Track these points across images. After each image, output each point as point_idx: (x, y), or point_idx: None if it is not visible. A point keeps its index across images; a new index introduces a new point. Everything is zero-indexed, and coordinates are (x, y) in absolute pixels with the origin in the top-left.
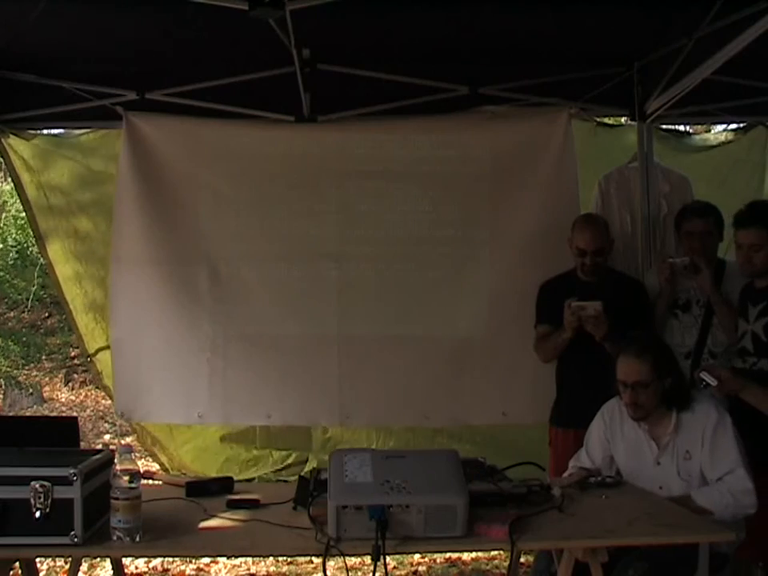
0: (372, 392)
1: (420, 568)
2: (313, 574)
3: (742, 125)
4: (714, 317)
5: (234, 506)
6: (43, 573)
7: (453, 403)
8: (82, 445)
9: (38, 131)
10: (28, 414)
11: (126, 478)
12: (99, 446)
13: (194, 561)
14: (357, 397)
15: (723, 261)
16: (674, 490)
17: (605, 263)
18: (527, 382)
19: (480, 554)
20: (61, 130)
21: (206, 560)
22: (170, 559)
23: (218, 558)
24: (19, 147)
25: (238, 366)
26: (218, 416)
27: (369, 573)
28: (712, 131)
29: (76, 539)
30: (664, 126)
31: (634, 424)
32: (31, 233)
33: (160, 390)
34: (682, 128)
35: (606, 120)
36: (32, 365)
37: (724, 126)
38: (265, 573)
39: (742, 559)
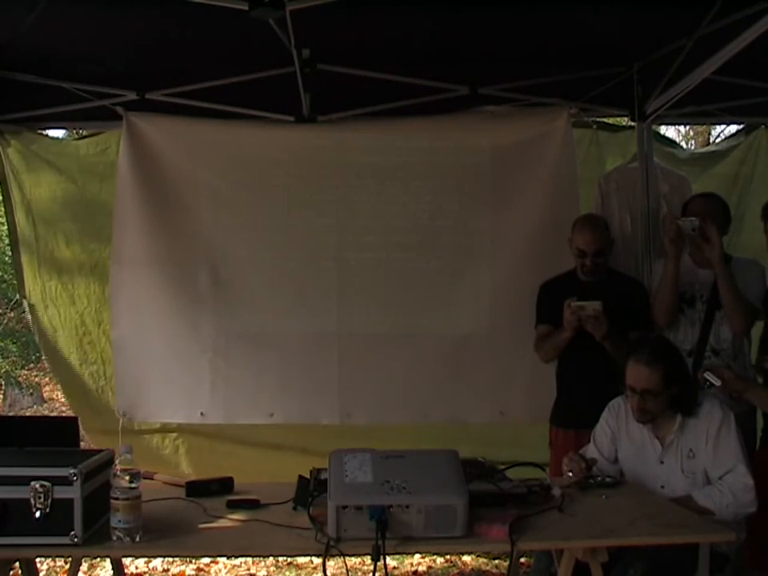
0: (372, 390)
1: (420, 568)
2: (313, 574)
3: (741, 126)
4: (716, 313)
5: (234, 506)
6: (43, 573)
7: (451, 402)
8: (82, 445)
9: (40, 132)
10: (28, 414)
11: (126, 477)
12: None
13: (193, 561)
14: (357, 395)
15: (729, 256)
16: (678, 488)
17: (606, 264)
18: (525, 382)
19: (480, 553)
20: (63, 131)
21: (206, 560)
22: (170, 559)
23: (218, 558)
24: (14, 157)
25: (240, 365)
26: (220, 415)
27: (369, 573)
28: (712, 132)
29: (76, 539)
30: (662, 132)
31: (638, 423)
32: None
33: (162, 390)
34: (682, 129)
35: (606, 120)
36: (32, 365)
37: (724, 126)
38: (265, 573)
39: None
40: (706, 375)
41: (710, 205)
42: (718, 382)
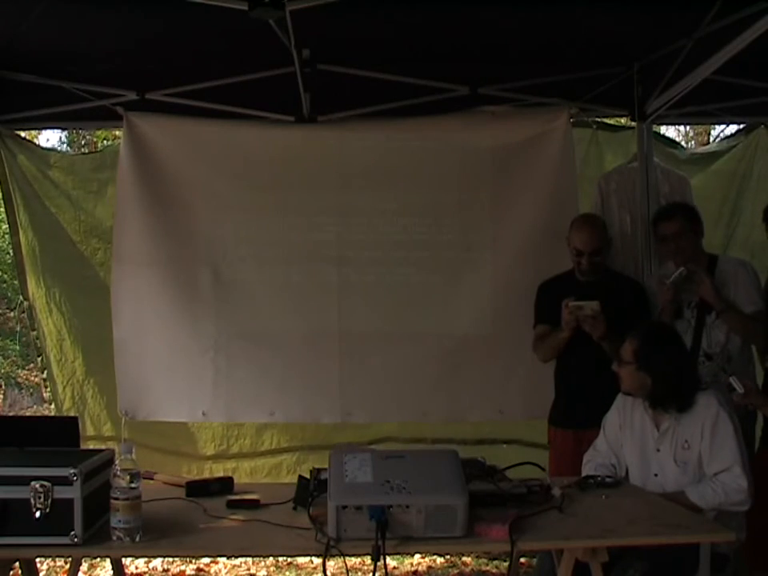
0: (372, 389)
1: (420, 568)
2: (313, 574)
3: (741, 126)
4: (706, 317)
5: (234, 506)
6: (43, 573)
7: (451, 400)
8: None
9: (37, 143)
10: (28, 414)
11: (126, 477)
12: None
13: (194, 561)
14: (357, 394)
15: (715, 256)
16: (669, 476)
17: (603, 263)
18: (524, 381)
19: (480, 554)
20: (61, 131)
21: (206, 560)
22: (170, 559)
23: (218, 558)
24: (22, 163)
25: (241, 364)
26: (222, 414)
27: (369, 573)
28: (712, 132)
29: (76, 539)
30: (662, 132)
31: (641, 410)
32: None
33: (164, 389)
34: (682, 129)
35: (606, 120)
36: (32, 365)
37: (724, 126)
38: (265, 573)
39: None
40: (731, 380)
41: (676, 226)
42: (741, 390)
